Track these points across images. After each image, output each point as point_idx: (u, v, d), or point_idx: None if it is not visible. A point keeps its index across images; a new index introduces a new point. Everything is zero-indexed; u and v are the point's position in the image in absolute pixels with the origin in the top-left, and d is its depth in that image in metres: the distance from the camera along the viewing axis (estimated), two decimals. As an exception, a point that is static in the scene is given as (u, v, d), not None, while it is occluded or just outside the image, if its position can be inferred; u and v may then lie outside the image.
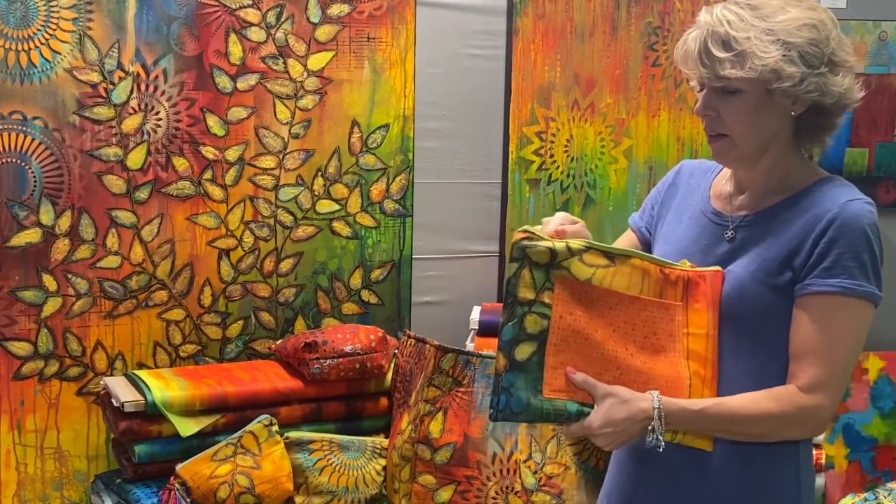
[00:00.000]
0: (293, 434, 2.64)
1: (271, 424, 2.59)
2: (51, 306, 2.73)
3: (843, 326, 1.57)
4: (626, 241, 1.90)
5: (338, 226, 3.01)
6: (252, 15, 2.82)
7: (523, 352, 1.57)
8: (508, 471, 2.54)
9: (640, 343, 1.62)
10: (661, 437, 1.55)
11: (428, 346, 2.67)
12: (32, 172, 2.66)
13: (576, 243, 1.60)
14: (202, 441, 2.57)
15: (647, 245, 1.86)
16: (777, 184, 1.66)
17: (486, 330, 2.88)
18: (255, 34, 2.83)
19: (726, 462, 1.66)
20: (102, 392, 2.68)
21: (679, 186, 1.84)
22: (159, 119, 2.77)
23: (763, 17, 1.58)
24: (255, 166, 2.89)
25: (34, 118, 2.64)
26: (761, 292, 1.61)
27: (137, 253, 2.80)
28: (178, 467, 2.49)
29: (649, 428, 1.54)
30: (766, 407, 1.58)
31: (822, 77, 1.58)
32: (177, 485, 2.47)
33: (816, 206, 1.59)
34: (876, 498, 2.79)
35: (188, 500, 2.46)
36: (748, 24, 1.57)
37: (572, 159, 3.23)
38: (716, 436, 1.62)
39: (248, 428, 2.57)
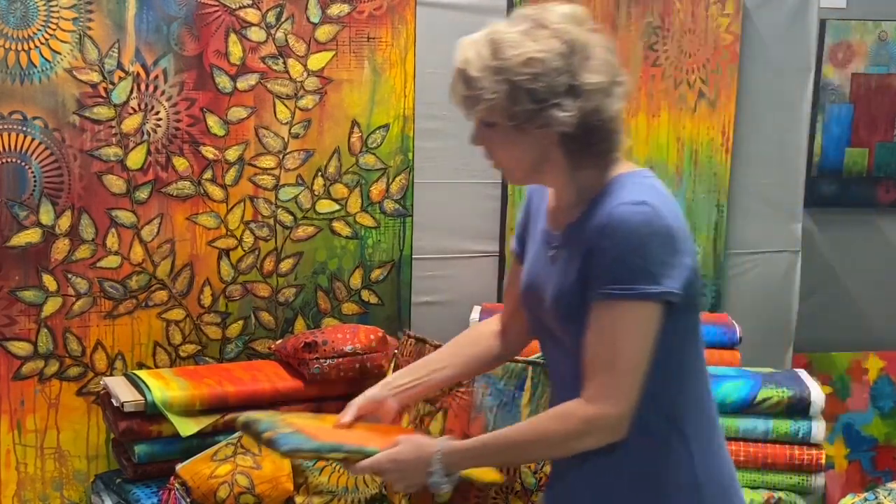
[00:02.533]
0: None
1: (271, 424, 2.59)
2: (51, 306, 2.73)
3: (619, 332, 1.55)
4: (513, 271, 1.91)
5: (338, 226, 3.01)
6: (252, 15, 2.82)
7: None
8: (508, 471, 2.54)
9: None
10: (442, 479, 1.63)
11: (428, 345, 2.66)
12: (32, 172, 2.66)
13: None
14: (202, 441, 2.57)
15: None
16: (577, 196, 1.66)
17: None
18: (255, 34, 2.83)
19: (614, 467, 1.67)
20: (102, 392, 2.68)
21: (532, 210, 1.85)
22: (159, 119, 2.77)
23: (497, 53, 1.56)
24: (255, 166, 2.89)
25: (34, 118, 2.64)
26: (572, 307, 1.62)
27: (137, 253, 2.80)
28: (178, 467, 2.49)
29: (429, 471, 1.61)
30: (546, 427, 1.61)
31: (557, 108, 1.55)
32: (177, 485, 2.47)
33: (596, 216, 1.58)
34: (876, 498, 2.78)
35: (188, 500, 2.46)
36: (483, 64, 1.57)
37: (572, 159, 3.23)
38: (508, 465, 1.67)
39: (247, 428, 2.57)
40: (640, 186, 1.59)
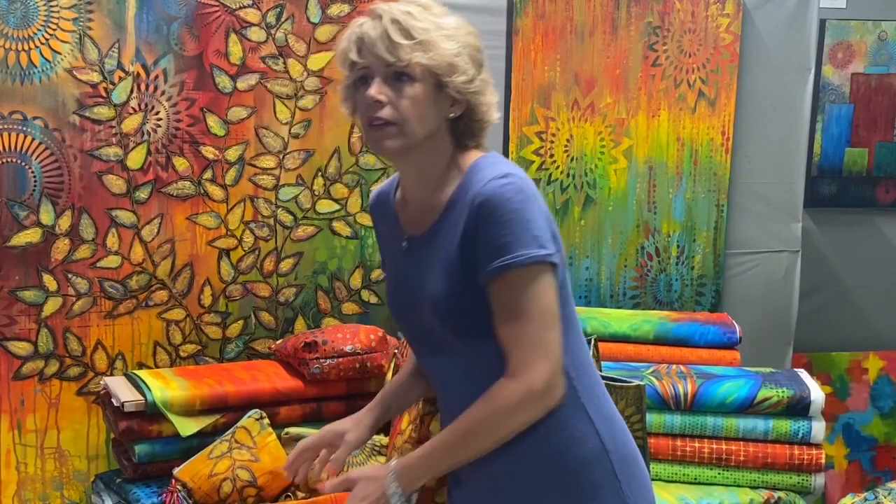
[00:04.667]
0: (293, 429, 2.64)
1: (262, 418, 2.60)
2: (51, 306, 2.73)
3: (522, 300, 1.58)
4: None
5: (338, 226, 3.01)
6: (252, 15, 2.82)
7: None
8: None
9: None
10: (402, 499, 1.64)
11: (428, 345, 2.66)
12: (32, 172, 2.66)
13: None
14: (202, 441, 2.57)
15: None
16: (436, 194, 1.70)
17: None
18: (255, 34, 2.83)
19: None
20: (102, 392, 2.68)
21: (379, 228, 1.89)
22: (159, 119, 2.77)
23: (434, 16, 1.65)
24: (255, 166, 2.89)
25: (34, 118, 2.64)
26: (453, 304, 1.64)
27: (137, 253, 2.80)
28: (176, 471, 2.49)
29: (388, 493, 1.63)
30: (479, 414, 1.60)
31: (484, 82, 1.68)
32: (178, 487, 2.47)
33: (463, 204, 1.62)
34: (876, 498, 2.79)
35: (190, 502, 2.46)
36: (426, 19, 1.63)
37: (572, 159, 3.23)
38: (460, 464, 1.66)
39: (239, 424, 2.57)
40: (497, 164, 1.65)
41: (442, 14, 1.66)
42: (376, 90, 1.64)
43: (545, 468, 1.68)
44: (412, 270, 1.72)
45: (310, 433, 2.65)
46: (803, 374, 2.85)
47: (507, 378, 1.59)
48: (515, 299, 1.58)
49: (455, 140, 1.70)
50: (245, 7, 2.81)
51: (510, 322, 1.58)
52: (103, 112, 2.71)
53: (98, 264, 2.76)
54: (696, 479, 2.72)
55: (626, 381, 2.30)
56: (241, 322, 2.95)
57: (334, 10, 2.90)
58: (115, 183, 2.75)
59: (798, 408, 2.71)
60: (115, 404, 2.55)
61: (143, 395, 2.54)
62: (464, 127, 1.69)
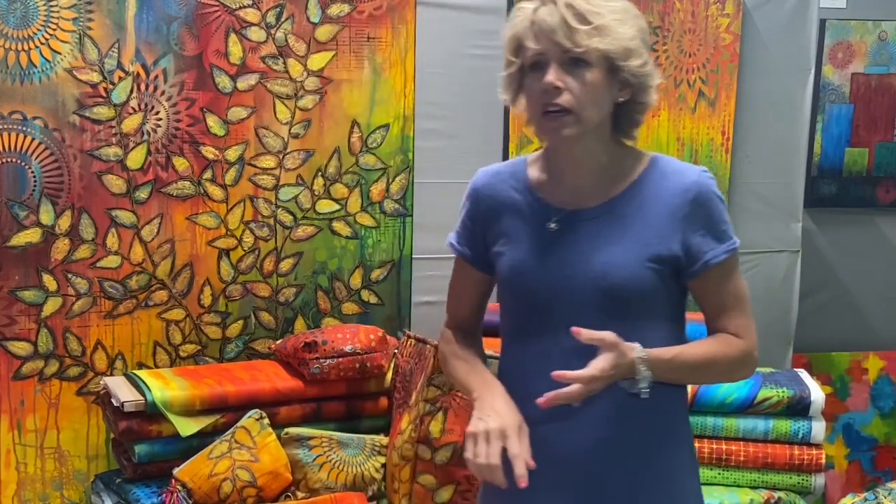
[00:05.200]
0: (293, 430, 2.64)
1: (262, 418, 2.60)
2: (51, 306, 2.73)
3: (738, 280, 1.73)
4: (463, 274, 1.87)
5: (338, 226, 3.01)
6: (252, 15, 2.82)
7: None
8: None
9: None
10: (645, 384, 1.61)
11: (428, 345, 2.66)
12: (32, 172, 2.66)
13: None
14: (202, 441, 2.57)
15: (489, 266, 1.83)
16: (609, 172, 1.72)
17: (485, 330, 2.86)
18: (255, 34, 2.83)
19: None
20: (102, 392, 2.68)
21: (484, 208, 1.81)
22: (159, 119, 2.77)
23: (616, 3, 1.65)
24: (255, 166, 2.89)
25: (34, 118, 2.64)
26: (643, 273, 1.66)
27: (137, 253, 2.80)
28: (176, 471, 2.49)
29: (636, 377, 1.61)
30: (720, 351, 1.69)
31: (653, 65, 1.70)
32: (178, 487, 2.47)
33: (671, 189, 1.68)
34: (876, 498, 2.79)
35: (190, 502, 2.46)
36: (597, 3, 1.62)
37: (572, 159, 3.23)
38: (679, 382, 1.71)
39: (239, 424, 2.57)
40: (688, 164, 1.75)
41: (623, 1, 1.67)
42: (554, 76, 1.62)
43: (657, 455, 1.72)
44: (574, 243, 1.70)
45: (310, 433, 2.65)
46: (803, 374, 2.85)
47: (735, 335, 1.70)
48: (735, 280, 1.72)
49: (613, 122, 1.72)
50: (245, 7, 2.81)
51: (731, 300, 1.71)
52: (103, 112, 2.71)
53: (98, 264, 2.76)
54: (696, 479, 2.72)
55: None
56: (240, 322, 2.95)
57: (334, 10, 2.90)
58: (115, 183, 2.75)
59: (798, 408, 2.71)
60: (115, 404, 2.55)
61: (143, 395, 2.54)
62: (626, 110, 1.72)
